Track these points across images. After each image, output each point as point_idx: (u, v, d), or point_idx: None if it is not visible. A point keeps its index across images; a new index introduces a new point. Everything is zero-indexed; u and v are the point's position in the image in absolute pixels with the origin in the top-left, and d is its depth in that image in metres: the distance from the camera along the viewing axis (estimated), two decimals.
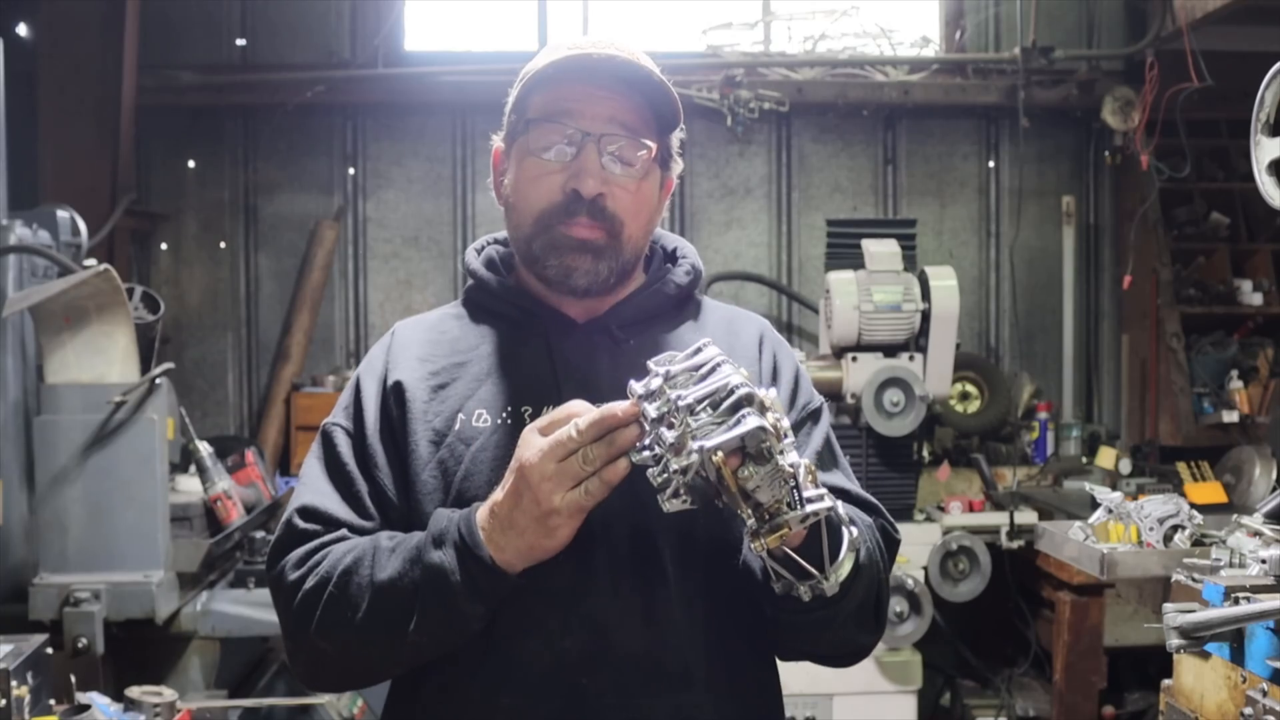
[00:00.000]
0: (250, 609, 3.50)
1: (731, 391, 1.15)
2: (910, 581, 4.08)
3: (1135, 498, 2.79)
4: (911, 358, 4.27)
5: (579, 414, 1.23)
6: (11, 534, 3.33)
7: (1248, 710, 1.79)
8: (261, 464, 4.42)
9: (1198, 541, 2.51)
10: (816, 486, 1.17)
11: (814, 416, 1.50)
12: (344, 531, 1.38)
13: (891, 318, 4.24)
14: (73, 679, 2.63)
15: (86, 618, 3.09)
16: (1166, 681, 2.08)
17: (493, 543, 1.26)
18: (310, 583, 1.33)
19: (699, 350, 1.21)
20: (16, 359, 3.40)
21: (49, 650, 2.48)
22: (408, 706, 1.42)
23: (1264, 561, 1.94)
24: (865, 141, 5.69)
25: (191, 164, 5.53)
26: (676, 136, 1.50)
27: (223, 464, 3.87)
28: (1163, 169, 5.17)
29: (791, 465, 1.13)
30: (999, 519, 4.38)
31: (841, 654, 1.45)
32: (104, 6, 4.71)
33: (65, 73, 4.68)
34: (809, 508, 1.14)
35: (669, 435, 1.15)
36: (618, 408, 1.20)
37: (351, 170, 5.58)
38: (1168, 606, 1.93)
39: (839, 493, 1.35)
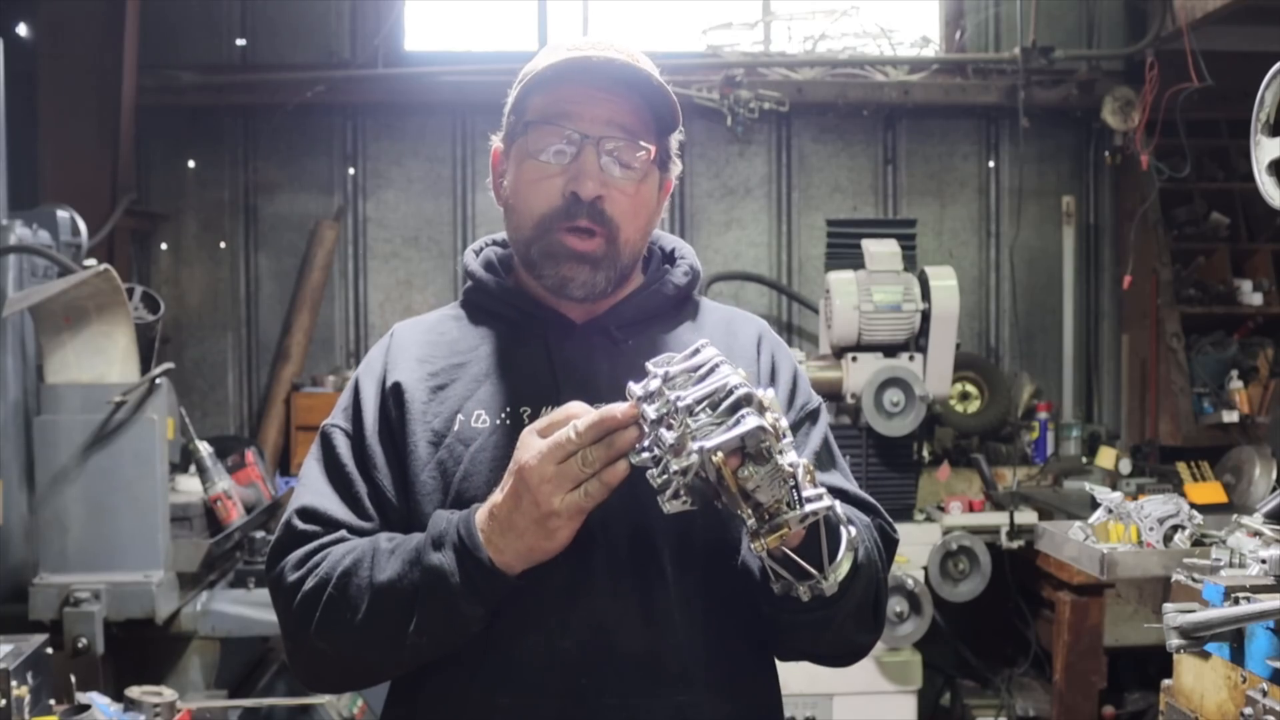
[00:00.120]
0: (250, 609, 3.51)
1: (730, 392, 1.15)
2: (910, 581, 4.08)
3: (1135, 498, 2.79)
4: (911, 358, 4.27)
5: (578, 416, 1.23)
6: (11, 534, 3.33)
7: (1248, 710, 1.79)
8: (261, 464, 4.42)
9: (1198, 541, 2.51)
10: (815, 486, 1.17)
11: (812, 417, 1.50)
12: (343, 533, 1.38)
13: (891, 318, 4.24)
14: (73, 679, 2.63)
15: (86, 618, 3.09)
16: (1166, 681, 2.08)
17: (492, 544, 1.26)
18: (310, 584, 1.33)
19: (697, 351, 1.22)
20: (16, 359, 3.40)
21: (49, 650, 2.48)
22: (407, 707, 1.42)
23: (1264, 561, 1.94)
24: (865, 141, 5.69)
25: (191, 164, 5.53)
26: (675, 138, 1.50)
27: (223, 464, 3.87)
28: (1163, 169, 5.17)
29: (791, 465, 1.13)
30: (999, 519, 4.38)
31: (840, 654, 1.46)
32: (104, 6, 4.71)
33: (65, 73, 4.68)
34: (808, 507, 1.15)
35: (669, 436, 1.16)
36: (617, 409, 1.20)
37: (351, 170, 5.58)
38: (1168, 606, 1.93)
39: (837, 493, 1.35)
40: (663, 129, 1.46)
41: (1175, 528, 2.55)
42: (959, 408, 4.99)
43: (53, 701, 2.46)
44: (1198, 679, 1.96)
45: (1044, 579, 4.35)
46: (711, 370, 1.18)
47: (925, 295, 4.28)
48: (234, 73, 5.41)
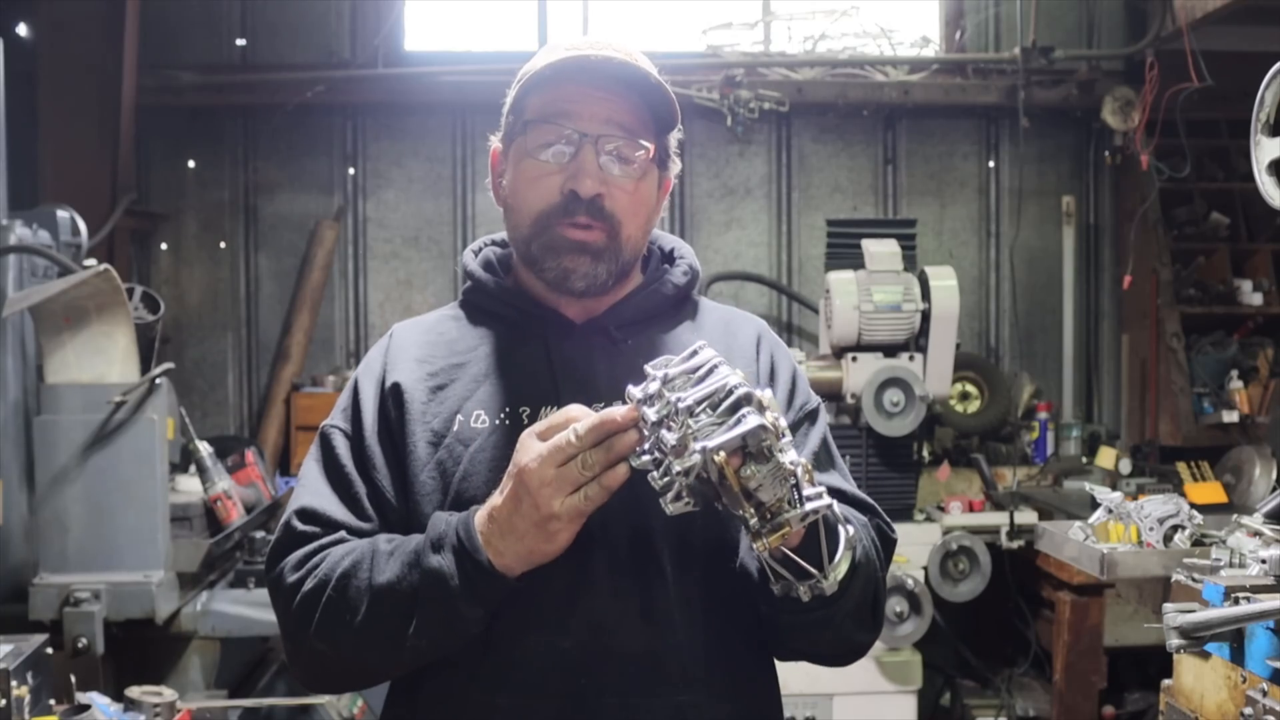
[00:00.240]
0: (250, 609, 3.50)
1: (730, 392, 1.15)
2: (910, 581, 4.08)
3: (1135, 498, 2.78)
4: (911, 358, 4.27)
5: (577, 419, 1.23)
6: (11, 534, 3.33)
7: (1248, 710, 1.79)
8: (261, 464, 4.42)
9: (1198, 541, 2.51)
10: (814, 485, 1.17)
11: (811, 417, 1.51)
12: (343, 533, 1.38)
13: (891, 318, 4.24)
14: (73, 679, 2.63)
15: (86, 618, 3.09)
16: (1166, 681, 2.08)
17: (491, 547, 1.26)
18: (309, 585, 1.33)
19: (695, 353, 1.22)
20: (16, 359, 3.40)
21: (49, 650, 2.48)
22: (407, 707, 1.42)
23: (1264, 561, 1.94)
24: (865, 141, 5.69)
25: (191, 164, 5.53)
26: (674, 137, 1.50)
27: (223, 464, 3.87)
28: (1163, 169, 5.17)
29: (792, 463, 1.13)
30: (999, 519, 4.38)
31: (840, 653, 1.45)
32: (104, 6, 4.71)
33: (65, 73, 4.68)
34: (808, 506, 1.15)
35: (670, 437, 1.16)
36: (616, 413, 1.21)
37: (351, 170, 5.58)
38: (1168, 606, 1.93)
39: (836, 493, 1.36)
40: (661, 127, 1.47)
41: (1175, 528, 2.55)
42: (959, 408, 4.99)
43: (53, 701, 2.46)
44: (1198, 679, 1.96)
45: (1044, 579, 4.35)
46: (710, 371, 1.18)
47: (925, 295, 4.28)
48: (234, 73, 5.41)
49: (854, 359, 4.25)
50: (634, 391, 1.21)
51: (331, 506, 1.40)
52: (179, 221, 5.53)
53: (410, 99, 5.43)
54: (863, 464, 4.23)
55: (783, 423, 1.15)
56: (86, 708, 2.50)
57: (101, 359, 3.26)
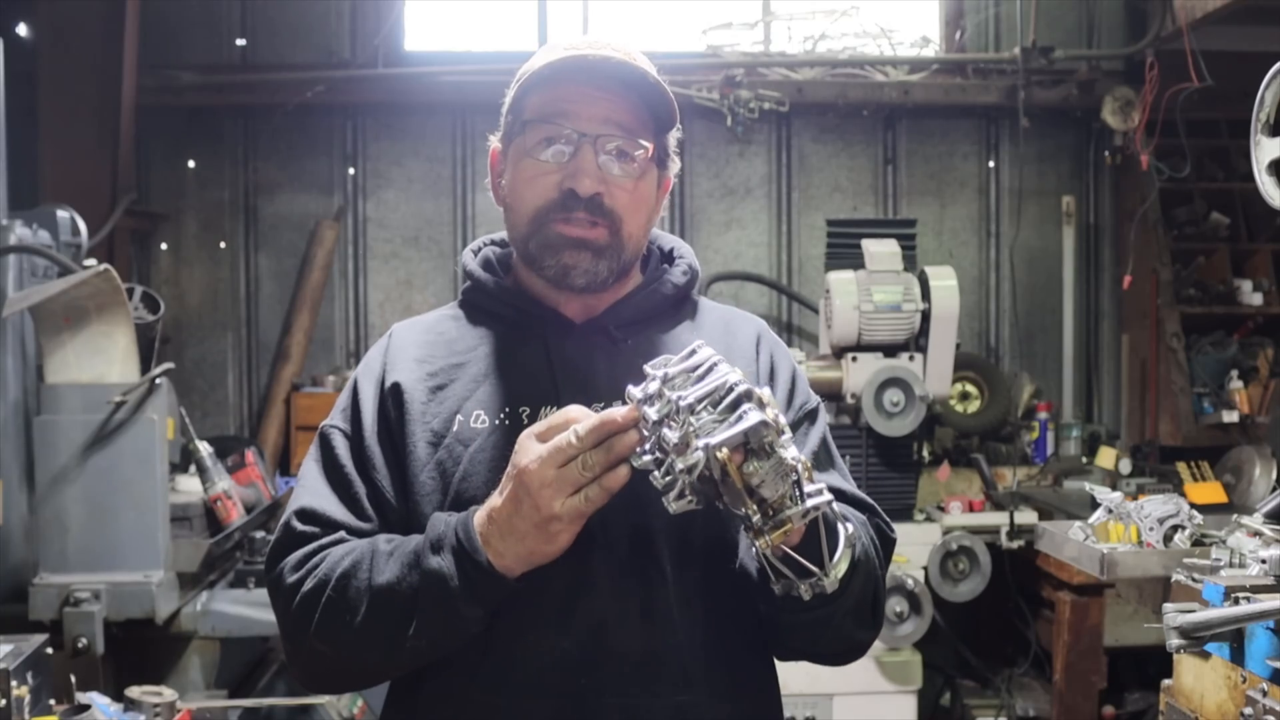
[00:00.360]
0: (250, 609, 3.51)
1: (731, 389, 1.15)
2: (910, 581, 4.08)
3: (1135, 498, 2.78)
4: (911, 358, 4.27)
5: (577, 420, 1.23)
6: (11, 534, 3.33)
7: (1248, 710, 1.79)
8: (261, 464, 4.42)
9: (1198, 541, 2.51)
10: (813, 482, 1.18)
11: (811, 417, 1.51)
12: (342, 534, 1.38)
13: (891, 318, 4.24)
14: (73, 679, 2.63)
15: (86, 618, 3.09)
16: (1166, 681, 2.08)
17: (491, 547, 1.26)
18: (309, 585, 1.33)
19: (693, 352, 1.22)
20: (16, 359, 3.40)
21: (49, 650, 2.48)
22: (407, 707, 1.42)
23: (1264, 561, 1.94)
24: (865, 141, 5.69)
25: (191, 164, 5.53)
26: (673, 136, 1.50)
27: (223, 464, 3.87)
28: (1163, 169, 5.17)
29: (793, 459, 1.14)
30: (999, 519, 4.38)
31: (840, 651, 1.45)
32: (104, 6, 4.71)
33: (65, 73, 4.68)
34: (809, 503, 1.15)
35: (672, 436, 1.16)
36: (617, 413, 1.21)
37: (351, 170, 5.58)
38: (1168, 606, 1.93)
39: (836, 493, 1.35)
40: (660, 127, 1.47)
41: (1175, 528, 2.54)
42: (959, 408, 4.99)
43: (53, 701, 2.46)
44: (1198, 679, 1.96)
45: (1044, 579, 4.35)
46: (710, 369, 1.19)
47: (925, 295, 4.28)
48: (234, 73, 5.41)
49: (854, 359, 4.25)
50: (634, 391, 1.21)
51: (331, 507, 1.40)
52: (179, 221, 5.53)
53: (410, 99, 5.43)
54: (863, 464, 4.23)
55: (783, 420, 1.16)
56: (86, 708, 2.50)
57: (101, 359, 3.26)
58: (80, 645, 3.06)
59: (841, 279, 4.31)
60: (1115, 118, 5.23)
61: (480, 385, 1.44)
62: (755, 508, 1.14)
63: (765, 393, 1.16)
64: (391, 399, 1.43)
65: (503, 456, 1.30)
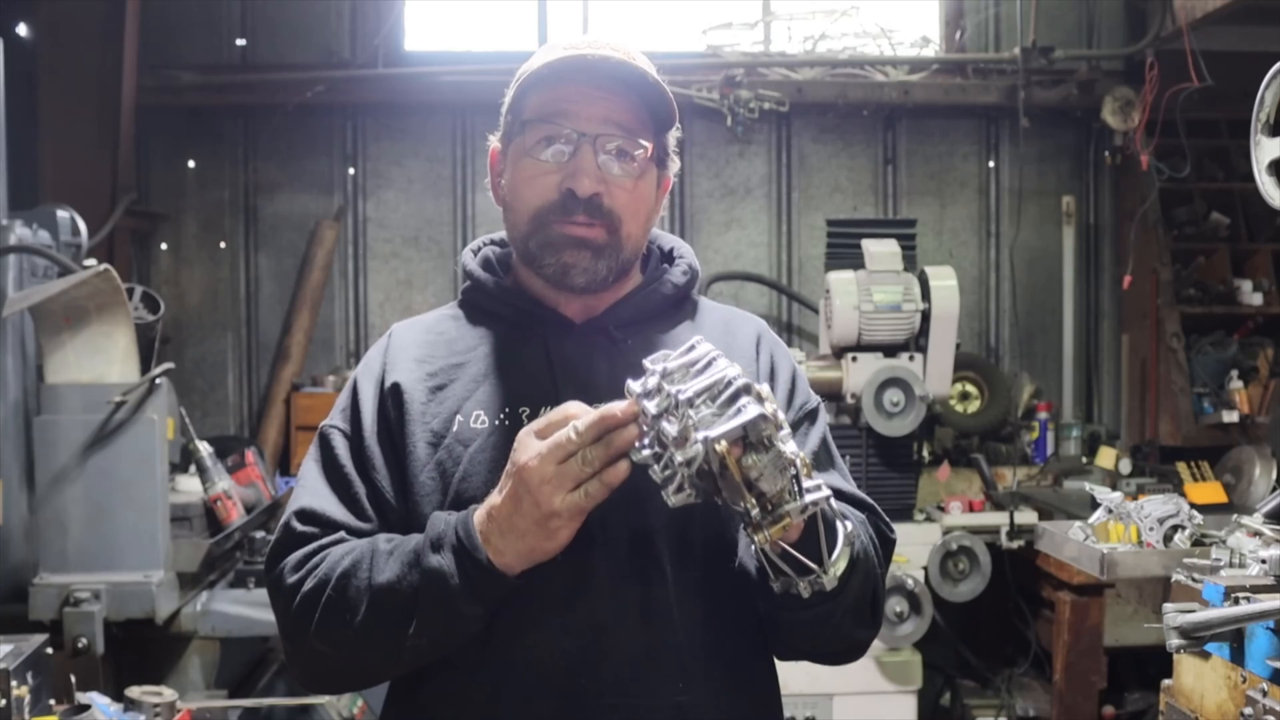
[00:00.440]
0: (250, 609, 3.51)
1: (729, 383, 1.16)
2: (910, 581, 4.08)
3: (1135, 498, 2.78)
4: (911, 358, 4.27)
5: (576, 416, 1.23)
6: (11, 534, 3.33)
7: (1248, 710, 1.79)
8: (261, 464, 4.42)
9: (1198, 541, 2.51)
10: (812, 479, 1.18)
11: (811, 417, 1.51)
12: (342, 534, 1.38)
13: (891, 318, 4.24)
14: (73, 679, 2.63)
15: (86, 618, 3.09)
16: (1166, 681, 2.08)
17: (491, 545, 1.26)
18: (309, 585, 1.33)
19: (692, 348, 1.22)
20: (16, 359, 3.40)
21: (49, 650, 2.48)
22: (407, 707, 1.42)
23: (1264, 561, 1.94)
24: (865, 141, 5.69)
25: (191, 164, 5.53)
26: (673, 135, 1.50)
27: (223, 464, 3.87)
28: (1163, 169, 5.17)
29: (792, 453, 1.14)
30: (999, 519, 4.38)
31: (840, 650, 1.45)
32: (104, 6, 4.71)
33: (65, 73, 4.68)
34: (808, 498, 1.16)
35: (671, 429, 1.16)
36: (616, 408, 1.21)
37: (351, 170, 5.58)
38: (1168, 606, 1.93)
39: (836, 493, 1.36)
40: (660, 126, 1.47)
41: (1175, 528, 2.54)
42: (959, 408, 4.99)
43: (53, 701, 2.46)
44: (1198, 679, 1.96)
45: (1044, 579, 4.35)
46: (709, 364, 1.19)
47: (925, 295, 4.28)
48: (234, 73, 5.41)
49: (854, 359, 4.25)
50: (633, 386, 1.22)
51: (331, 507, 1.40)
52: (179, 221, 5.53)
53: (410, 99, 5.43)
54: (863, 464, 4.23)
55: (781, 415, 1.16)
56: (86, 708, 2.50)
57: (101, 359, 3.26)
58: (80, 645, 3.06)
59: (841, 279, 4.31)
60: (1115, 118, 5.23)
61: (480, 385, 1.44)
62: (754, 502, 1.14)
63: (764, 388, 1.16)
64: (391, 399, 1.43)
65: (503, 456, 1.30)
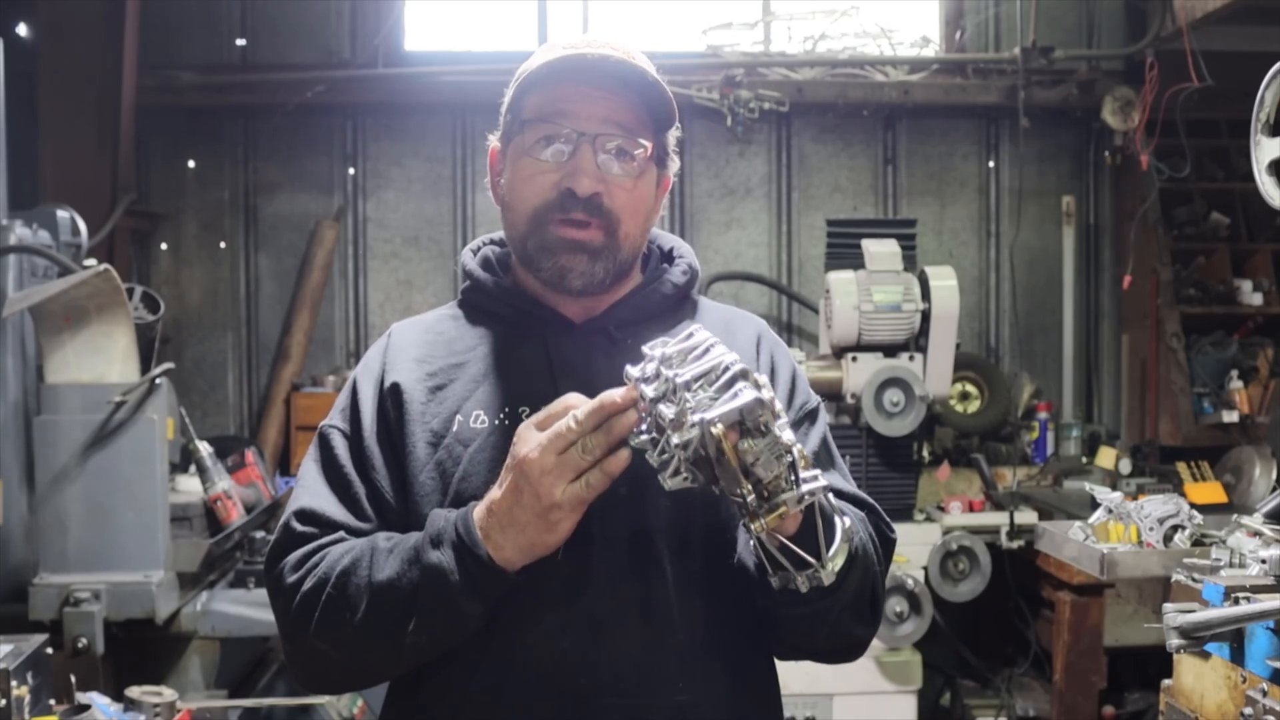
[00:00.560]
0: (250, 609, 3.51)
1: (727, 368, 1.16)
2: (910, 581, 4.08)
3: (1135, 498, 2.78)
4: (911, 358, 4.27)
5: (575, 406, 1.23)
6: (11, 534, 3.33)
7: (1248, 710, 1.79)
8: (261, 464, 4.42)
9: (1198, 541, 2.51)
10: (809, 469, 1.18)
11: (811, 416, 1.50)
12: (342, 534, 1.38)
13: (891, 318, 4.24)
14: (73, 679, 2.63)
15: (86, 618, 3.09)
16: (1166, 681, 2.08)
17: (491, 541, 1.26)
18: (308, 584, 1.33)
19: (690, 334, 1.23)
20: (16, 359, 3.40)
21: (49, 650, 2.48)
22: (407, 706, 1.42)
23: (1264, 561, 1.94)
24: (865, 141, 5.69)
25: (191, 164, 5.53)
26: (672, 135, 1.50)
27: (223, 464, 3.87)
28: (1163, 169, 5.17)
29: (788, 440, 1.14)
30: (999, 519, 4.38)
31: (838, 648, 1.45)
32: (104, 6, 4.71)
33: (65, 73, 4.68)
34: (805, 487, 1.16)
35: (668, 413, 1.17)
36: (615, 394, 1.21)
37: (351, 170, 5.58)
38: (1168, 606, 1.93)
39: (835, 493, 1.36)
40: (659, 126, 1.47)
41: (1175, 528, 2.54)
42: (959, 408, 4.99)
43: (53, 701, 2.46)
44: (1198, 679, 1.96)
45: (1044, 579, 4.35)
46: (707, 350, 1.20)
47: (925, 295, 4.28)
48: (234, 73, 5.41)
49: (854, 359, 4.25)
50: (632, 371, 1.22)
51: (330, 507, 1.39)
52: (179, 221, 5.53)
53: (410, 99, 5.43)
54: (863, 464, 4.23)
55: (779, 405, 1.16)
56: (86, 708, 2.50)
57: (101, 359, 3.26)
58: (80, 645, 3.06)
59: (841, 279, 4.31)
60: (1115, 118, 5.23)
61: (480, 385, 1.44)
62: (750, 488, 1.14)
63: (762, 376, 1.17)
64: (391, 399, 1.43)
65: (502, 456, 1.30)
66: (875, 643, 1.49)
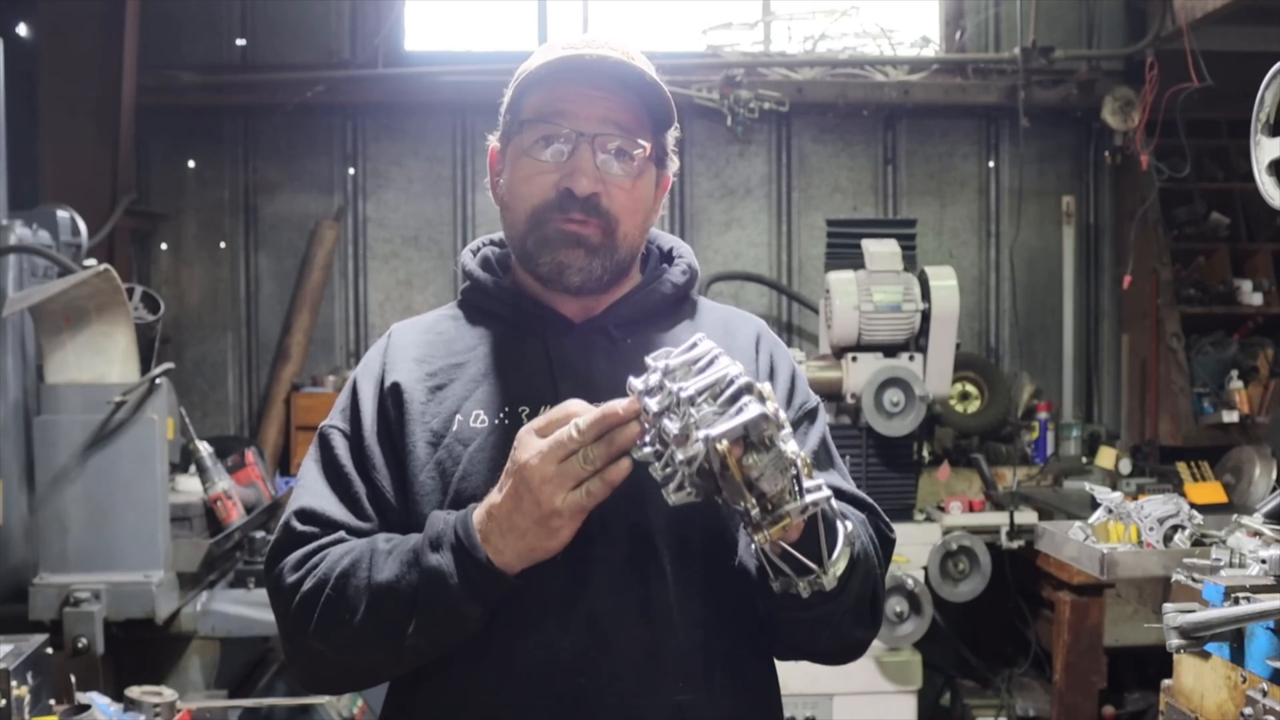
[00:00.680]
0: (250, 609, 3.51)
1: (731, 381, 1.16)
2: (910, 581, 4.08)
3: (1135, 498, 2.78)
4: (911, 358, 4.27)
5: (577, 414, 1.23)
6: (11, 534, 3.33)
7: (1248, 710, 1.79)
8: (261, 464, 4.42)
9: (1198, 541, 2.51)
10: (812, 479, 1.18)
11: (810, 416, 1.50)
12: (342, 534, 1.38)
13: (891, 318, 4.24)
14: (73, 679, 2.63)
15: (86, 618, 3.09)
16: (1166, 681, 2.08)
17: (490, 544, 1.26)
18: (308, 585, 1.33)
19: (694, 345, 1.22)
20: (16, 359, 3.40)
21: (49, 650, 2.48)
22: (407, 707, 1.42)
23: (1264, 561, 1.94)
24: (865, 141, 5.69)
25: (191, 164, 5.53)
26: (671, 134, 1.50)
27: (223, 464, 3.87)
28: (1163, 169, 5.17)
29: (792, 453, 1.14)
30: (999, 519, 4.38)
31: (839, 650, 1.45)
32: (104, 6, 4.71)
33: (65, 73, 4.68)
34: (808, 498, 1.15)
35: (672, 427, 1.16)
36: (618, 405, 1.21)
37: (351, 170, 5.58)
38: (1168, 606, 1.93)
39: (835, 493, 1.35)
40: (658, 126, 1.47)
41: (1175, 528, 2.54)
42: (959, 408, 4.99)
43: (53, 701, 2.46)
44: (1198, 679, 1.96)
45: (1044, 579, 4.35)
46: (711, 362, 1.19)
47: (925, 295, 4.28)
48: (234, 73, 5.41)
49: (854, 359, 4.25)
50: (635, 383, 1.22)
51: (330, 507, 1.39)
52: (179, 221, 5.53)
53: (410, 99, 5.43)
54: (863, 464, 4.22)
55: (783, 415, 1.16)
56: (86, 708, 2.50)
57: (101, 359, 3.26)
58: (80, 645, 3.06)
59: (841, 279, 4.31)
60: (1115, 118, 5.23)
61: (479, 385, 1.44)
62: (754, 502, 1.14)
63: (766, 387, 1.16)
64: (391, 399, 1.43)
65: (502, 456, 1.30)
66: (875, 643, 1.49)
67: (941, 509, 4.46)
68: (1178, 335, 5.13)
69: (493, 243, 1.60)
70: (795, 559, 1.22)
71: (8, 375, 3.35)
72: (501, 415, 1.40)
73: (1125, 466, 4.76)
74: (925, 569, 4.20)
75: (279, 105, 5.33)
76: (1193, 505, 2.63)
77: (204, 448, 3.66)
